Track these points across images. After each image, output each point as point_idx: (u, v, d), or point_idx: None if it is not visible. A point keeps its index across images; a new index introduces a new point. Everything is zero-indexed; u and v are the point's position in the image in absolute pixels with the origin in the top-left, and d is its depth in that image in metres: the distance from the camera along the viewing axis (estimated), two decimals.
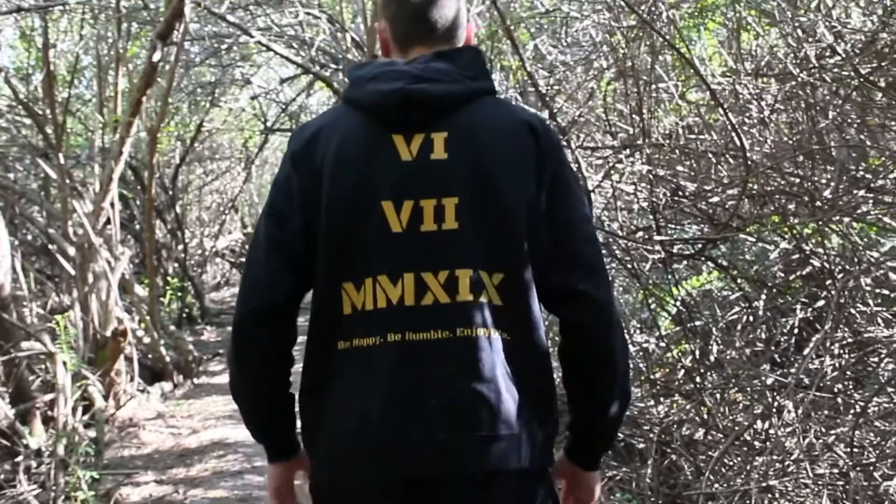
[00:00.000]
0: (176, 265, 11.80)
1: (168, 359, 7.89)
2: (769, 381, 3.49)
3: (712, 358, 3.96)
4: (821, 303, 3.84)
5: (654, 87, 4.40)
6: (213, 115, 12.98)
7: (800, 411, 3.11)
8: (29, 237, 8.94)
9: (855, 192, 3.71)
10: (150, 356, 7.80)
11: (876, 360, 3.48)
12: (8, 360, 5.27)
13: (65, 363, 5.20)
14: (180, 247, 11.99)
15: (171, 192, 11.94)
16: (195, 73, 11.19)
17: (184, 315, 11.19)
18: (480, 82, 1.70)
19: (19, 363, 5.39)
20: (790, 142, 4.17)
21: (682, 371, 4.10)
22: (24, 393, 5.47)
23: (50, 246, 7.98)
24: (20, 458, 4.71)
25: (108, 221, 7.10)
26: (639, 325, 4.66)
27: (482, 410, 1.57)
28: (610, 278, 1.73)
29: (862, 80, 3.60)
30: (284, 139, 16.15)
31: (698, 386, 3.76)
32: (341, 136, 1.67)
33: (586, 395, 1.70)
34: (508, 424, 1.58)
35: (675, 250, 4.13)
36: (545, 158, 1.65)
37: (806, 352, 3.41)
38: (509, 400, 1.59)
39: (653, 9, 4.42)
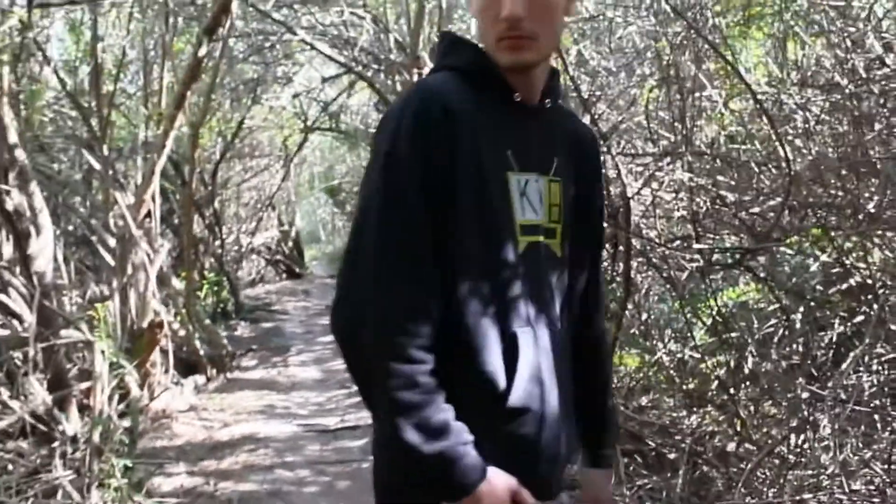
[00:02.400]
0: (212, 260, 11.90)
1: (202, 352, 7.95)
2: (805, 395, 3.45)
3: (747, 370, 3.92)
4: (860, 318, 3.79)
5: (697, 94, 4.38)
6: (254, 113, 13.08)
7: (836, 426, 3.07)
8: (70, 227, 9.05)
9: None
10: (184, 349, 7.86)
11: None
12: (47, 346, 5.34)
13: (102, 352, 5.27)
14: (217, 242, 12.10)
15: (210, 188, 12.05)
16: (238, 70, 11.29)
17: (219, 310, 11.27)
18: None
19: (58, 350, 5.47)
20: (834, 154, 4.13)
21: (717, 382, 4.07)
22: (61, 380, 5.54)
23: (90, 236, 8.08)
24: (56, 443, 4.77)
25: (148, 214, 7.18)
26: (673, 335, 4.63)
27: None
28: None
29: None
30: (324, 138, 16.30)
31: (732, 397, 3.72)
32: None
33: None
34: None
35: (713, 260, 4.10)
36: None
37: (844, 366, 3.37)
38: None
39: (699, 16, 4.40)
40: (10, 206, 5.71)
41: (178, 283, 8.47)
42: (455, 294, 1.45)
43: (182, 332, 7.80)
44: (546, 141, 1.63)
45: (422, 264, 1.42)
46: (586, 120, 4.12)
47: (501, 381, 1.46)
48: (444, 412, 1.39)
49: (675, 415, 4.17)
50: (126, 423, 5.62)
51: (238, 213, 15.33)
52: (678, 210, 4.24)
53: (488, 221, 1.48)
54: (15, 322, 5.56)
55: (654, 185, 4.30)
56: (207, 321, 8.97)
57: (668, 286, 4.36)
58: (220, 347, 8.46)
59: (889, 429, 3.32)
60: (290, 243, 17.23)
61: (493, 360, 1.46)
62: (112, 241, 6.97)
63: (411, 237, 1.42)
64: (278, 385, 7.87)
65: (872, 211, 3.66)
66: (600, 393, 1.81)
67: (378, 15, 9.59)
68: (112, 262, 6.92)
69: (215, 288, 11.21)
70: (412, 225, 1.42)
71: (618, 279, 4.34)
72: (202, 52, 6.92)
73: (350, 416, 6.48)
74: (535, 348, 1.51)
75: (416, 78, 9.01)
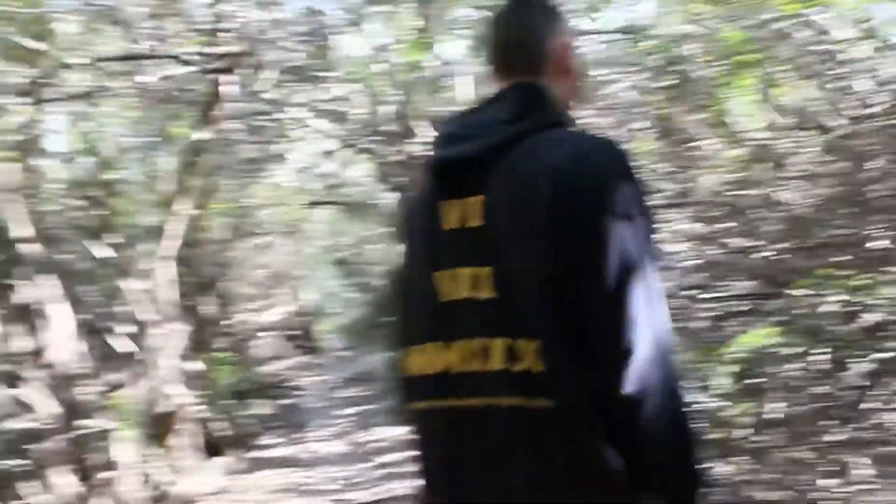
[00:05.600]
0: (225, 340, 11.91)
1: (224, 433, 7.94)
2: (835, 438, 3.44)
3: (774, 415, 3.91)
4: (883, 355, 3.79)
5: (692, 144, 4.45)
6: (256, 190, 13.21)
7: (868, 468, 3.06)
8: (82, 316, 9.09)
9: None
10: (206, 430, 7.85)
11: None
12: (71, 437, 5.37)
13: (126, 440, 5.28)
14: (228, 322, 12.11)
15: (217, 268, 12.11)
16: (236, 150, 11.42)
17: (235, 389, 11.25)
18: (523, 123, 1.52)
19: (82, 440, 5.49)
20: (834, 193, 4.17)
21: (744, 430, 4.05)
22: (87, 470, 5.55)
23: (103, 325, 8.12)
24: None
25: (162, 299, 7.23)
26: (695, 385, 4.62)
27: None
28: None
29: None
30: (328, 213, 16.41)
31: (761, 445, 3.71)
32: (413, 203, 1.69)
33: None
34: None
35: (728, 307, 4.11)
36: (561, 208, 1.40)
37: (870, 406, 3.36)
38: None
39: (687, 68, 4.50)
40: (20, 299, 5.78)
41: (194, 366, 8.49)
42: None
43: (202, 414, 7.80)
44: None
45: None
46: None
47: None
48: None
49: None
50: None
51: (247, 292, 15.35)
52: (687, 260, 4.28)
53: None
54: (34, 415, 5.58)
55: (662, 236, 4.33)
56: (226, 401, 8.97)
57: (686, 336, 4.37)
58: (241, 427, 8.44)
59: None
60: (302, 318, 17.25)
61: None
62: (126, 328, 7.01)
63: None
64: (303, 461, 7.84)
65: (881, 247, 3.70)
66: None
67: (369, 88, 9.73)
68: (127, 350, 6.95)
69: (230, 367, 11.20)
70: None
71: None
72: (199, 136, 7.05)
73: (380, 488, 6.42)
74: None
75: (408, 148, 9.16)
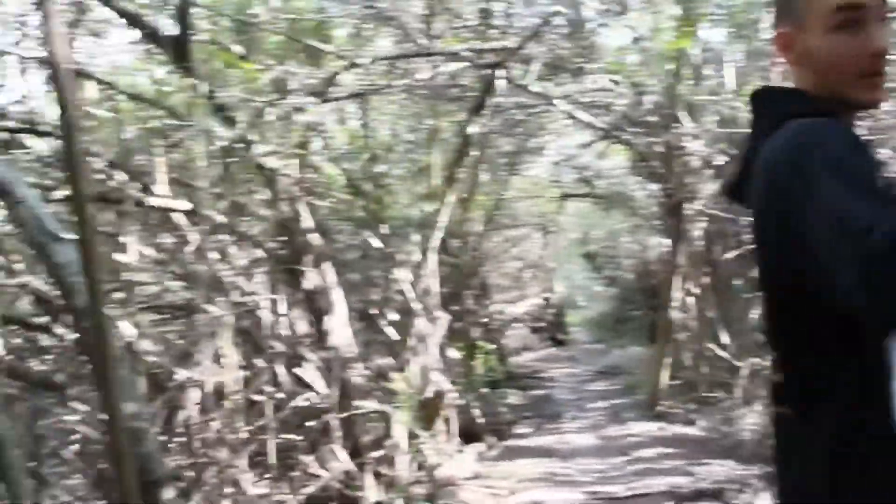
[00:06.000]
0: (481, 330, 12.21)
1: (481, 420, 8.13)
2: None
3: None
4: None
5: None
6: (513, 183, 13.42)
7: None
8: (352, 304, 9.64)
9: None
10: (464, 417, 8.08)
11: None
12: (346, 417, 5.69)
13: (398, 422, 5.52)
14: (485, 312, 12.40)
15: (476, 259, 12.43)
16: (496, 144, 11.65)
17: (490, 378, 11.52)
18: (756, 131, 1.53)
19: (355, 421, 5.81)
20: None
21: None
22: (359, 449, 5.87)
23: (372, 312, 8.56)
24: None
25: (427, 289, 7.52)
26: None
27: None
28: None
29: None
30: (580, 205, 16.42)
31: None
32: None
33: None
34: None
35: None
36: (770, 199, 1.40)
37: None
38: None
39: None
40: (307, 285, 6.21)
41: (454, 354, 8.76)
42: None
43: (461, 401, 8.03)
44: None
45: None
46: None
47: None
48: None
49: None
50: (421, 489, 5.83)
51: (501, 283, 15.66)
52: None
53: None
54: (312, 393, 5.96)
55: None
56: (483, 390, 9.18)
57: None
58: (497, 415, 8.62)
59: None
60: (552, 310, 17.36)
61: None
62: (393, 316, 7.34)
63: None
64: (557, 452, 7.86)
65: None
66: None
67: (633, 78, 9.59)
68: (393, 336, 7.27)
69: (486, 357, 11.47)
70: None
71: None
72: (469, 130, 7.23)
73: (636, 483, 6.33)
74: None
75: (669, 139, 8.94)
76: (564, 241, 19.11)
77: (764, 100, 1.59)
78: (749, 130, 1.57)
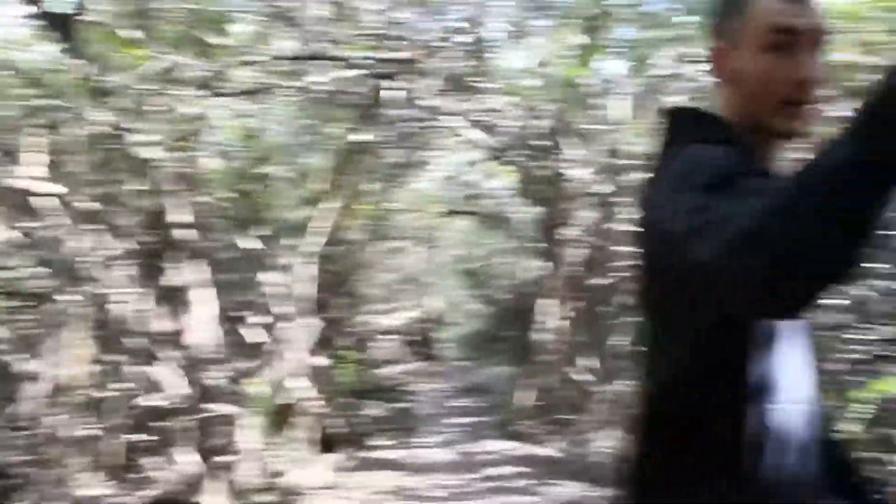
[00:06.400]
0: (349, 339, 12.12)
1: (339, 430, 8.08)
2: None
3: None
4: None
5: None
6: (397, 195, 13.41)
7: None
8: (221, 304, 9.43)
9: None
10: (322, 425, 8.01)
11: None
12: (198, 419, 5.57)
13: (250, 427, 5.43)
14: (354, 321, 12.32)
15: (353, 268, 12.33)
16: (386, 154, 11.62)
17: (354, 389, 11.45)
18: (663, 150, 1.49)
19: (207, 423, 5.69)
20: None
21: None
22: (207, 452, 5.75)
23: (240, 313, 8.41)
24: None
25: (299, 293, 7.43)
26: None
27: None
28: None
29: None
30: (464, 223, 16.54)
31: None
32: None
33: None
34: None
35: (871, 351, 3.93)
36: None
37: None
38: None
39: None
40: (175, 281, 6.05)
41: (320, 361, 8.69)
42: None
43: (322, 410, 7.97)
44: None
45: None
46: None
47: None
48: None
49: None
50: (269, 497, 5.75)
51: (376, 294, 15.58)
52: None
53: None
54: (165, 393, 5.81)
55: None
56: (346, 399, 9.14)
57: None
58: (357, 426, 8.58)
59: None
60: (426, 325, 17.41)
61: None
62: (262, 319, 7.23)
63: None
64: (412, 466, 7.90)
65: None
66: None
67: (523, 101, 9.72)
68: (258, 340, 7.16)
69: (352, 366, 11.39)
70: None
71: None
72: (358, 138, 7.21)
73: (484, 501, 6.42)
74: None
75: (555, 164, 9.13)
76: (445, 257, 19.19)
77: (676, 121, 1.55)
78: (659, 149, 1.51)
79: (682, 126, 1.51)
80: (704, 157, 1.31)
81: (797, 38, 1.41)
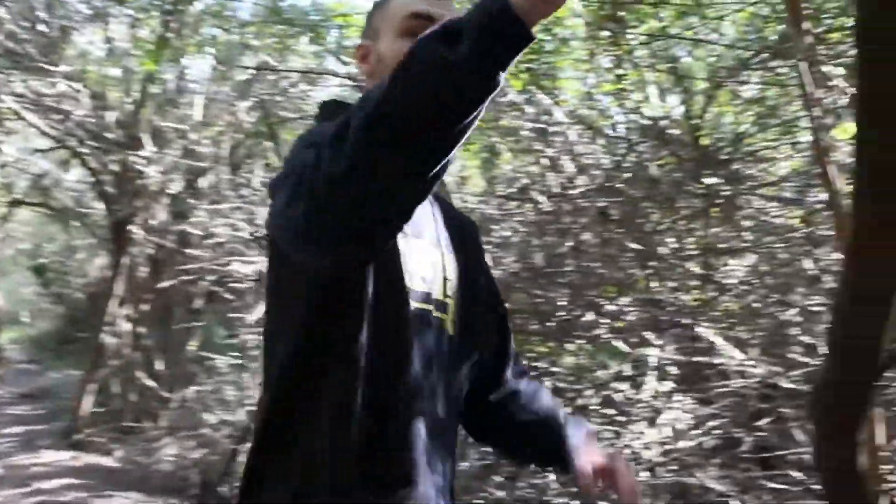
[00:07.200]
0: None
1: None
2: None
3: None
4: None
5: None
6: None
7: None
8: None
9: (588, 315, 3.94)
10: None
11: None
12: None
13: None
14: None
15: None
16: None
17: None
18: None
19: None
20: (531, 264, 4.40)
21: None
22: None
23: None
24: None
25: None
26: None
27: None
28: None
29: (599, 211, 3.87)
30: (34, 215, 15.25)
31: None
32: None
33: None
34: None
35: None
36: None
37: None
38: None
39: None
40: None
41: None
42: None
43: None
44: (429, 215, 1.54)
45: None
46: None
47: None
48: None
49: None
50: None
51: None
52: None
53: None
54: None
55: None
56: None
57: None
58: None
59: None
60: None
61: None
62: None
63: None
64: None
65: (565, 317, 3.91)
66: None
67: (98, 91, 9.13)
68: None
69: None
70: None
71: None
72: None
73: None
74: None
75: (126, 159, 8.67)
76: (11, 251, 17.66)
77: (322, 112, 1.57)
78: None
79: (325, 116, 1.53)
80: (313, 130, 1.35)
81: (433, 24, 1.42)
